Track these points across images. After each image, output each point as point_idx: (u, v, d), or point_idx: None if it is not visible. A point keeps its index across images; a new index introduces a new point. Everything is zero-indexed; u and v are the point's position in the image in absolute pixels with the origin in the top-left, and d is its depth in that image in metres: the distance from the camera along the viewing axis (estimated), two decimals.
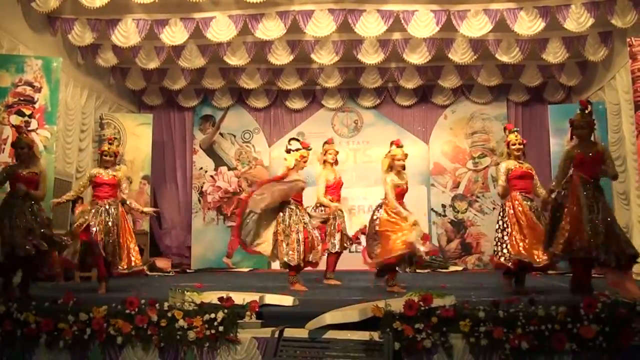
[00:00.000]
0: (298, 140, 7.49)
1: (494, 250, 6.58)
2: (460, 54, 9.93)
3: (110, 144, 7.19)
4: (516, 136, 6.71)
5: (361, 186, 11.42)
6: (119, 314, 4.90)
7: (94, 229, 6.69)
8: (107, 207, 6.89)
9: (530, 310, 4.48)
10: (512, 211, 6.43)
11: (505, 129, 7.01)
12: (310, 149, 7.42)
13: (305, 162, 7.23)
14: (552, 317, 4.39)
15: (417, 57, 9.96)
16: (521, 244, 6.25)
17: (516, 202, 6.44)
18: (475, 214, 11.82)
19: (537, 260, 6.14)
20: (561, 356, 4.34)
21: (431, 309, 4.55)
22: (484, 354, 4.44)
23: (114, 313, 4.91)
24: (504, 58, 9.88)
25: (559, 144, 9.94)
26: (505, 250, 6.34)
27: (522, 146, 6.67)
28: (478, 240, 11.67)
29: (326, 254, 7.85)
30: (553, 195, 5.89)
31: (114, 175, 7.05)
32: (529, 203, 6.46)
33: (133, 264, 6.93)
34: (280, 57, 10.10)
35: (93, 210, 6.82)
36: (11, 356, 5.00)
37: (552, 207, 5.82)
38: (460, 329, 4.46)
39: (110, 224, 6.82)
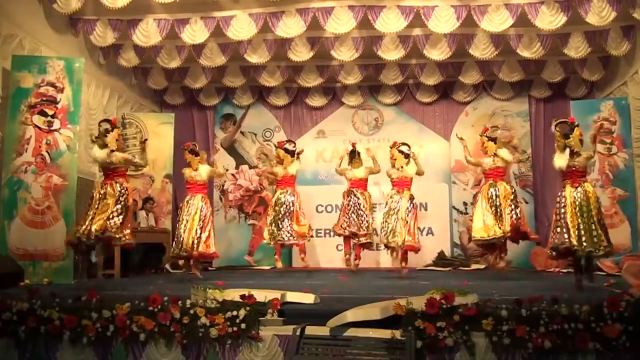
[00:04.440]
0: None
1: None
2: (481, 50, 9.85)
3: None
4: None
5: (381, 184, 11.32)
6: (141, 311, 4.95)
7: None
8: None
9: (554, 309, 4.43)
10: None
11: None
12: None
13: None
14: (576, 316, 4.35)
15: (438, 53, 9.91)
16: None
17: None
18: None
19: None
20: (585, 355, 4.30)
21: (453, 307, 4.53)
22: (507, 353, 4.41)
23: (136, 310, 4.96)
24: (526, 53, 9.78)
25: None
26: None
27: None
28: None
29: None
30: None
31: None
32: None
33: None
34: (301, 54, 10.10)
35: None
36: (35, 352, 5.07)
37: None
38: (483, 327, 4.44)
39: None
